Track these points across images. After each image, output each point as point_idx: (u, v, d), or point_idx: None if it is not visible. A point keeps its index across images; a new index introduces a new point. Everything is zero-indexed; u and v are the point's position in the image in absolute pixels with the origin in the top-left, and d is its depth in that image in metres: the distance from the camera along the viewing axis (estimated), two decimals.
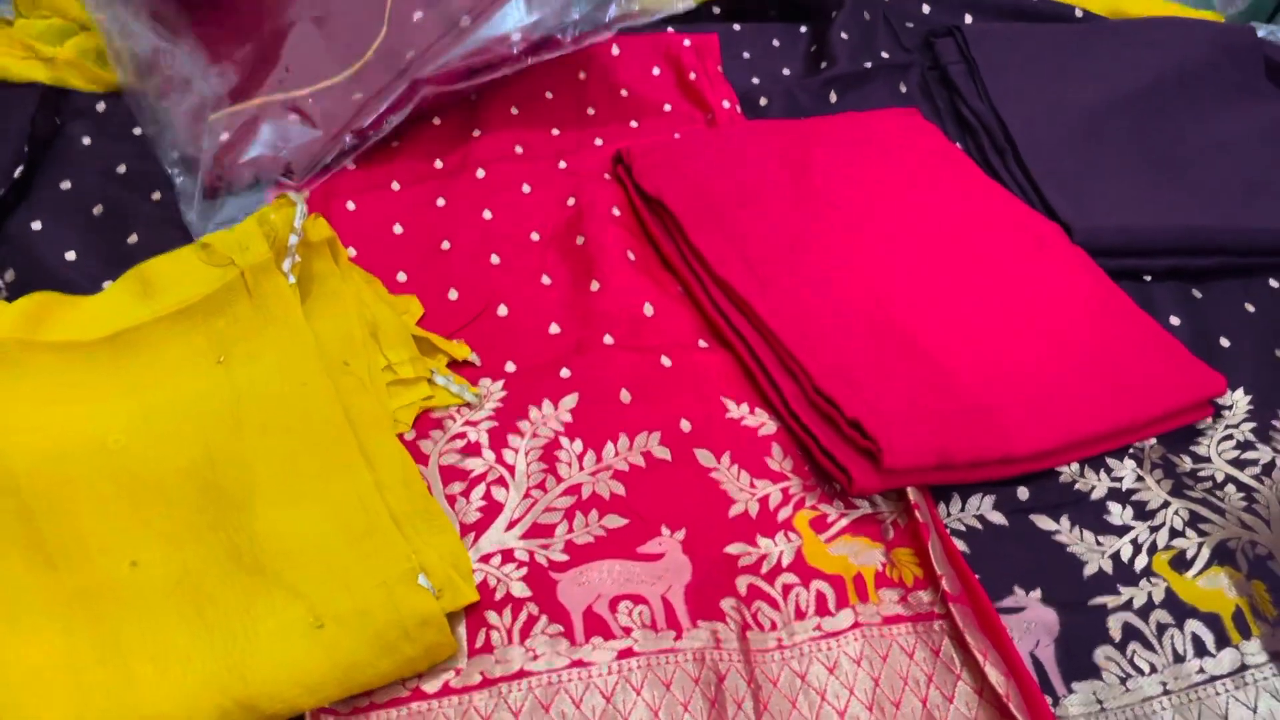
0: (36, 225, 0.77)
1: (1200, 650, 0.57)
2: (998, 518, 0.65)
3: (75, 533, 0.57)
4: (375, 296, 0.72)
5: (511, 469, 0.63)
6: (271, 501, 0.58)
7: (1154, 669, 0.57)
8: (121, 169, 0.83)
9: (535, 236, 0.80)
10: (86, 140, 0.84)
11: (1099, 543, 0.63)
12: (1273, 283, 0.82)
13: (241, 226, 0.70)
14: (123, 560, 0.57)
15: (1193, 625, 0.58)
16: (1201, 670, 0.56)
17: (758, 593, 0.59)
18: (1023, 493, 0.66)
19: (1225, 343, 0.76)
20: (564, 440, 0.65)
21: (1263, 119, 0.96)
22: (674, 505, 0.62)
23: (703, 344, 0.73)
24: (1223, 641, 0.58)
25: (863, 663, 0.56)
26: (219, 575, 0.56)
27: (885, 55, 1.00)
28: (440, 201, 0.82)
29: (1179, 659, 0.57)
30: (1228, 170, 0.90)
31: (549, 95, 0.92)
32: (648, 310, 0.74)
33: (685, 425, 0.67)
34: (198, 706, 0.51)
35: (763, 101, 0.95)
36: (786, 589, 0.60)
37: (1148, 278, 0.81)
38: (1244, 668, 0.56)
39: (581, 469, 0.63)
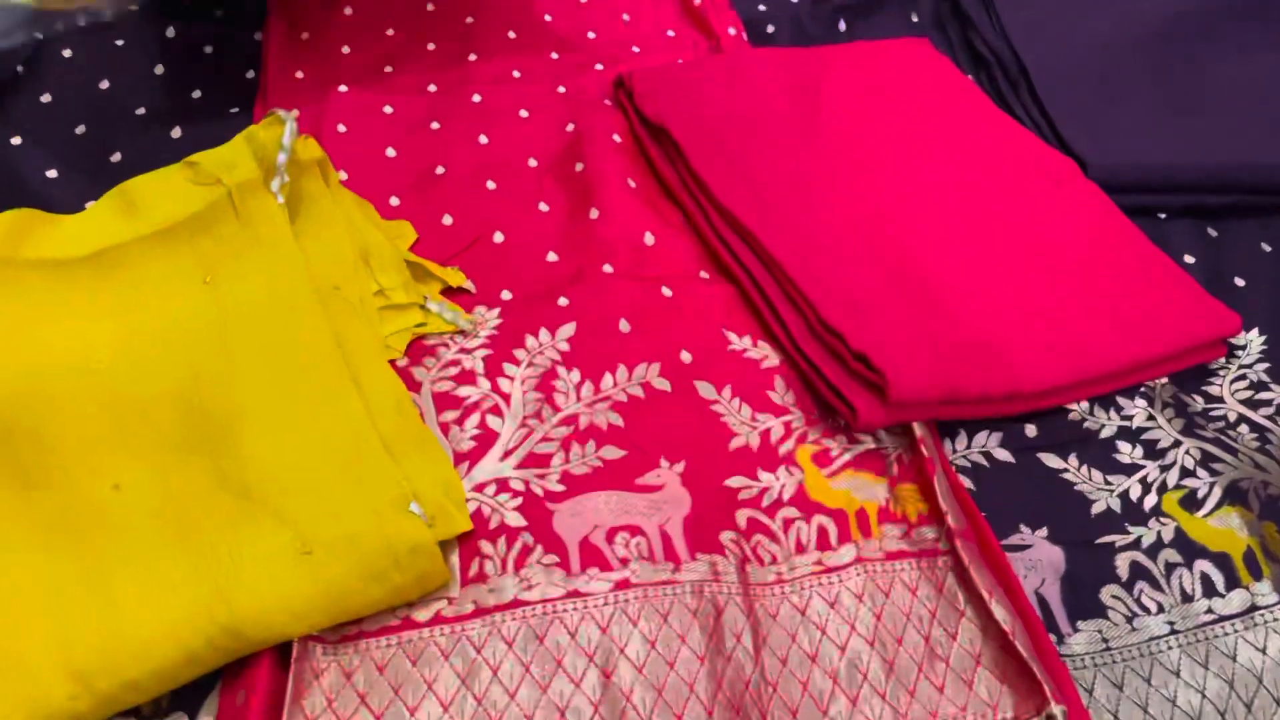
0: (16, 141, 0.75)
1: (1209, 590, 0.56)
2: (1004, 455, 0.63)
3: (56, 455, 0.56)
4: (367, 220, 0.70)
5: (507, 398, 0.61)
6: (258, 426, 0.56)
7: (1161, 609, 0.56)
8: (104, 84, 0.80)
9: (533, 162, 0.77)
10: (67, 53, 0.81)
11: (1108, 481, 0.62)
12: None
13: (230, 145, 0.68)
14: (105, 483, 0.55)
15: (1202, 565, 0.57)
16: (1210, 610, 0.55)
17: (758, 526, 0.58)
18: (1030, 430, 0.64)
19: (1240, 282, 0.74)
20: (561, 370, 0.63)
21: None
22: (673, 437, 0.61)
23: (704, 275, 0.71)
24: (1233, 582, 0.56)
25: (864, 598, 0.55)
26: (204, 500, 0.54)
27: None
28: (435, 125, 0.79)
29: (1187, 599, 0.56)
30: (1248, 106, 0.87)
31: (548, 18, 0.89)
32: (648, 239, 0.72)
33: (686, 356, 0.65)
34: (182, 631, 0.49)
35: (770, 29, 0.92)
36: (787, 523, 0.58)
37: (1163, 215, 0.79)
38: (1254, 608, 0.55)
39: (579, 399, 0.62)
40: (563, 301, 0.67)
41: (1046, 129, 0.84)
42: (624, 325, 0.66)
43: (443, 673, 0.50)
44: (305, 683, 0.50)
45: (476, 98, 0.81)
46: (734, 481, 0.59)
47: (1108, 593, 0.57)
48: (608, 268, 0.69)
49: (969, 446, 0.64)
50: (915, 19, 0.94)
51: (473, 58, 0.84)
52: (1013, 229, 0.74)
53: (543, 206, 0.74)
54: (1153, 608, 0.56)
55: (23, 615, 0.50)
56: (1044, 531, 0.59)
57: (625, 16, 0.90)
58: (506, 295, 0.68)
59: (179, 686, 0.50)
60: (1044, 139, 0.83)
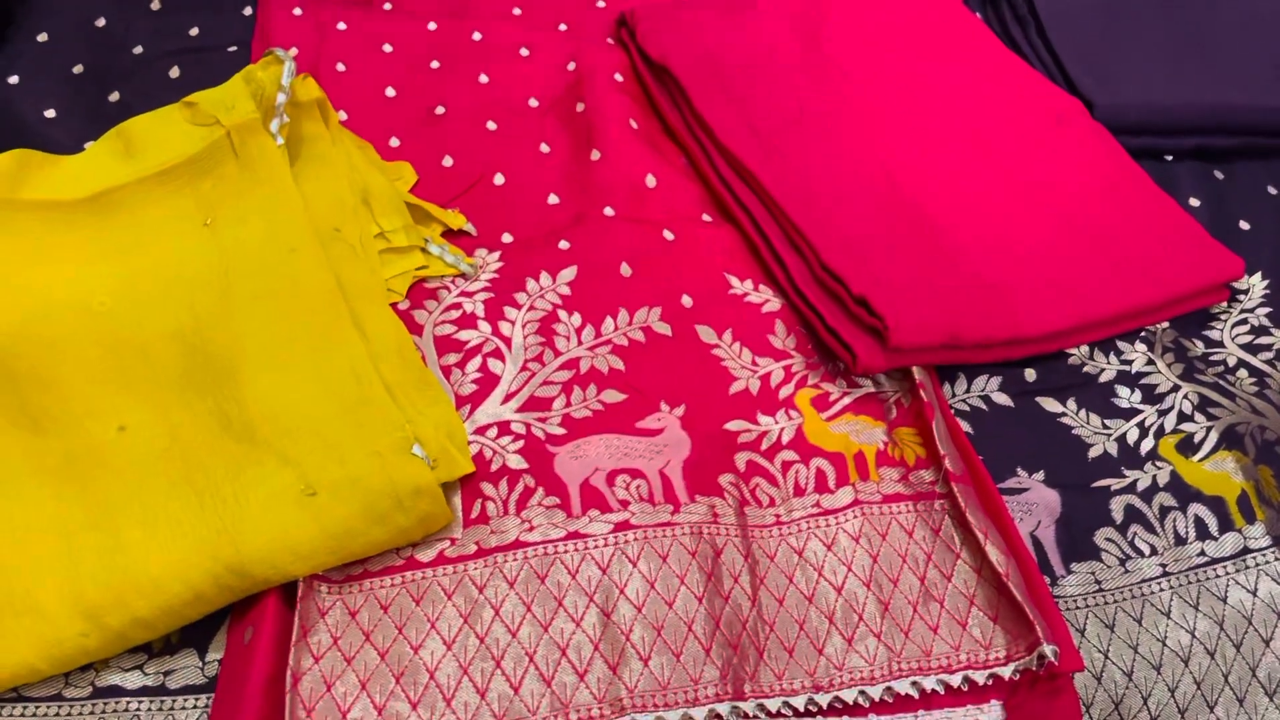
0: (14, 79, 0.74)
1: (1202, 533, 0.57)
2: (1003, 399, 0.64)
3: (61, 397, 0.56)
4: (367, 162, 0.69)
5: (508, 341, 0.62)
6: (261, 368, 0.57)
7: (1154, 551, 0.56)
8: (100, 22, 0.79)
9: (534, 103, 0.77)
10: None
11: (1105, 425, 0.62)
12: None
13: (228, 85, 0.67)
14: (110, 425, 0.55)
15: (1196, 508, 0.58)
16: (1203, 553, 0.56)
17: (757, 469, 0.58)
18: (1030, 374, 0.65)
19: (1245, 225, 0.74)
20: (562, 313, 0.63)
21: None
22: (674, 381, 0.61)
23: (706, 218, 0.71)
24: (1226, 525, 0.57)
25: (861, 539, 0.55)
26: (208, 442, 0.55)
27: None
28: (435, 64, 0.78)
29: (1180, 541, 0.57)
30: (1259, 48, 0.86)
31: None
32: (650, 181, 0.71)
33: (687, 300, 0.65)
34: (189, 571, 0.50)
35: None
36: (786, 466, 0.59)
37: (1169, 157, 0.78)
38: (1246, 551, 0.56)
39: (580, 343, 0.62)
40: (563, 245, 0.67)
41: (1054, 68, 0.83)
42: (625, 269, 0.66)
43: (446, 611, 0.51)
44: (311, 621, 0.51)
45: (477, 35, 0.80)
46: (734, 425, 0.60)
47: (1102, 535, 0.57)
48: (609, 210, 0.69)
49: (968, 390, 0.64)
50: None
51: None
52: (1016, 170, 0.73)
53: (544, 148, 0.74)
54: (1146, 550, 0.56)
55: (34, 556, 0.51)
56: (1041, 475, 0.60)
57: None
58: (507, 238, 0.68)
59: (188, 624, 0.51)
60: (1051, 79, 0.82)
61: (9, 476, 0.54)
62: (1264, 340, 0.66)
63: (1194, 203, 0.75)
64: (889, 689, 0.50)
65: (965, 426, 0.62)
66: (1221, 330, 0.67)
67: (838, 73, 0.79)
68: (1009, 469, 0.60)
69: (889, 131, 0.75)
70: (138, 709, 0.50)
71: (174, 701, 0.50)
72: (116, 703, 0.50)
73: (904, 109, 0.77)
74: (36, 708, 0.50)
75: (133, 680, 0.51)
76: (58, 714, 0.50)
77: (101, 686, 0.50)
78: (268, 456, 0.54)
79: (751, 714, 0.49)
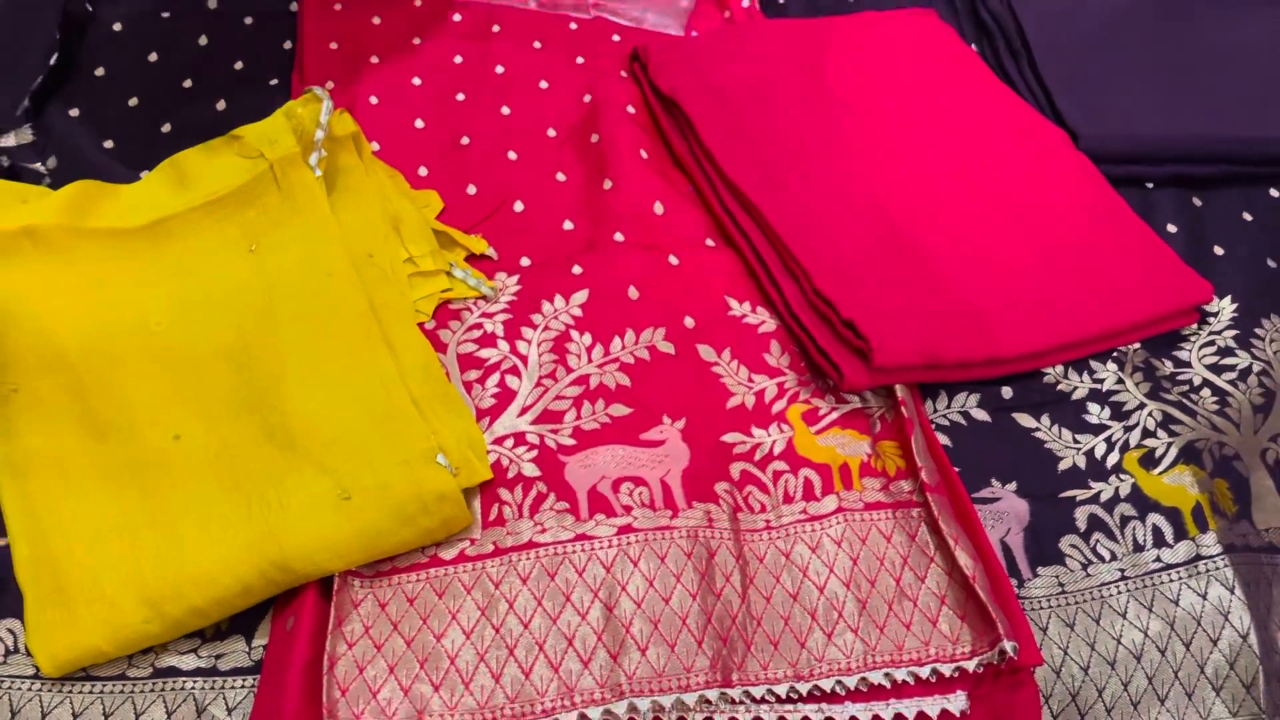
0: (74, 112, 0.81)
1: (1159, 541, 0.62)
2: (981, 414, 0.69)
3: (123, 407, 0.62)
4: (397, 190, 0.75)
5: (524, 359, 0.67)
6: (301, 384, 0.63)
7: (1114, 556, 0.61)
8: (152, 57, 0.85)
9: (552, 133, 0.82)
10: (117, 27, 0.86)
11: (1076, 440, 0.67)
12: (1274, 192, 0.83)
13: (270, 120, 0.73)
14: (167, 434, 0.62)
15: (1154, 518, 0.63)
16: (1158, 559, 0.61)
17: (750, 478, 0.64)
18: (1007, 392, 0.70)
19: (1219, 250, 0.78)
20: (574, 333, 0.69)
21: None
22: (676, 396, 0.67)
23: (710, 243, 0.76)
24: (1181, 534, 0.62)
25: (843, 544, 0.61)
26: (254, 450, 0.61)
27: None
28: (460, 97, 0.84)
29: (1138, 548, 0.62)
30: (1244, 77, 0.90)
31: None
32: (658, 209, 0.77)
33: (689, 321, 0.70)
34: (240, 567, 0.57)
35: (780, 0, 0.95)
36: (777, 475, 0.64)
37: (1150, 184, 0.83)
38: (1198, 558, 0.61)
39: (590, 361, 0.68)
40: (577, 270, 0.72)
41: (1043, 100, 0.87)
42: (632, 292, 0.71)
43: (465, 604, 0.57)
44: (345, 611, 0.57)
45: (500, 69, 0.86)
46: (730, 437, 0.65)
47: (1066, 542, 0.62)
48: (619, 236, 0.74)
49: (949, 406, 0.69)
50: None
51: (496, 29, 0.89)
52: (1002, 199, 0.78)
53: (560, 176, 0.79)
54: (1106, 556, 0.61)
55: (102, 551, 0.58)
56: (1013, 485, 0.65)
57: None
58: (525, 261, 0.74)
59: (237, 613, 0.58)
60: (1041, 110, 0.86)
61: (79, 480, 0.60)
62: (1229, 361, 0.71)
63: (1171, 229, 0.80)
64: (864, 679, 0.56)
65: (945, 440, 0.67)
66: (1190, 351, 0.72)
67: (838, 106, 0.84)
68: (984, 479, 0.66)
69: (884, 163, 0.80)
70: (193, 688, 0.56)
71: (224, 681, 0.56)
72: (174, 682, 0.56)
73: (899, 141, 0.82)
74: (103, 686, 0.56)
75: (188, 662, 0.57)
76: (121, 690, 0.56)
77: (161, 667, 0.57)
78: (307, 464, 0.60)
79: (738, 699, 0.55)
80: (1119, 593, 0.60)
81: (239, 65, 0.86)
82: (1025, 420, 0.69)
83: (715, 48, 0.87)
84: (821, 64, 0.87)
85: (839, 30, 0.91)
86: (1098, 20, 0.92)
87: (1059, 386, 0.70)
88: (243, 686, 0.56)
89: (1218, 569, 0.60)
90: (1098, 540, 0.62)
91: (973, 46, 0.93)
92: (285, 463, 0.60)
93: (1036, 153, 0.81)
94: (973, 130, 0.83)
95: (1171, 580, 0.60)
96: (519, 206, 0.77)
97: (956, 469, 0.65)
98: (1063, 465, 0.66)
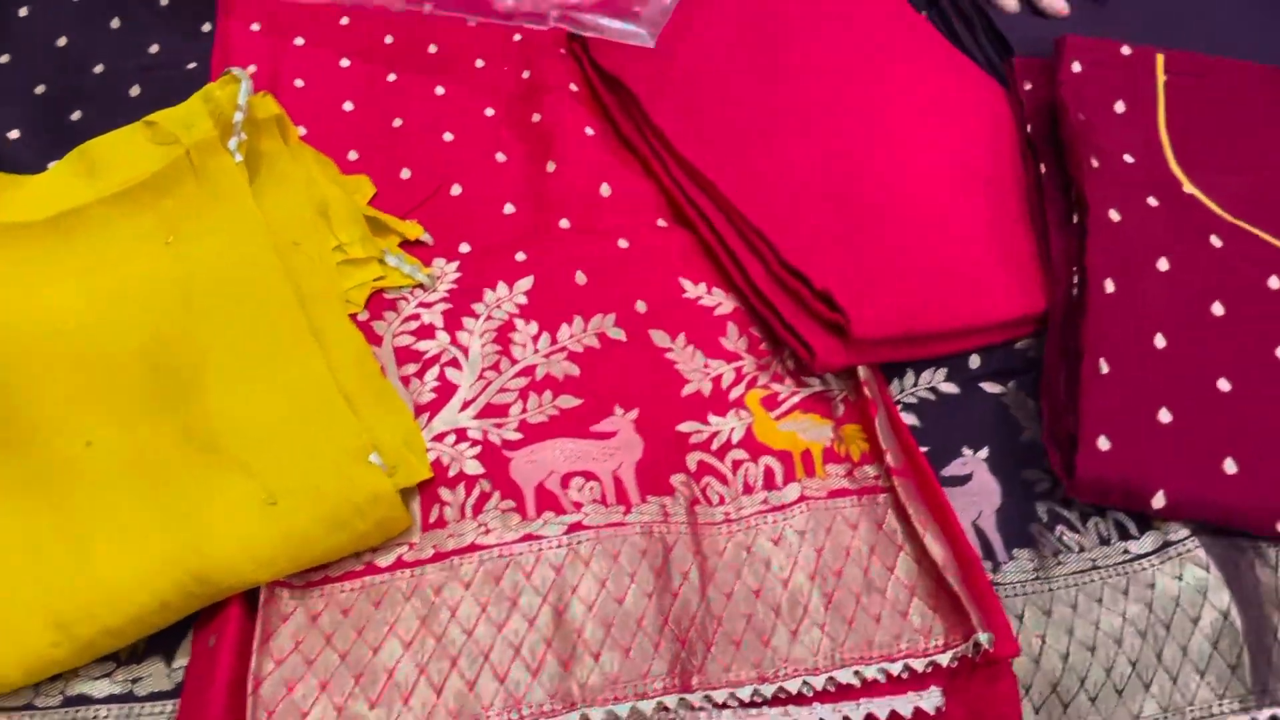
0: None
1: (1124, 534, 0.59)
2: (950, 388, 0.66)
3: (30, 413, 0.58)
4: (326, 176, 0.71)
5: (466, 350, 0.63)
6: (223, 381, 0.58)
7: (1082, 549, 0.59)
8: (61, 42, 0.80)
9: (490, 112, 0.78)
10: (23, 11, 0.81)
11: (1041, 412, 0.64)
12: None
13: (187, 104, 0.69)
14: (78, 440, 0.57)
15: (1114, 514, 0.60)
16: (1126, 551, 0.58)
17: (707, 469, 0.60)
18: (974, 361, 0.67)
19: None
20: (519, 322, 0.65)
21: None
22: (628, 385, 0.63)
23: (661, 223, 0.73)
24: (1145, 524, 0.59)
25: (807, 535, 0.57)
26: (173, 455, 0.56)
27: None
28: (391, 77, 0.80)
29: (1104, 541, 0.59)
30: (1211, 35, 0.88)
31: None
32: (605, 191, 0.73)
33: (641, 306, 0.67)
34: (156, 580, 0.52)
35: None
36: (736, 464, 0.61)
37: None
38: (1166, 544, 0.58)
39: (536, 351, 0.64)
40: (520, 256, 0.68)
41: (997, 65, 0.85)
42: (580, 277, 0.67)
43: (404, 614, 0.53)
44: (273, 626, 0.52)
45: (433, 48, 0.82)
46: (685, 426, 0.62)
47: (1035, 529, 0.60)
48: (564, 223, 0.70)
49: (916, 384, 0.66)
50: None
51: (428, 7, 0.84)
52: (960, 163, 0.76)
53: (500, 157, 0.75)
54: (1075, 548, 0.59)
55: (4, 569, 0.53)
56: (985, 452, 0.62)
57: None
58: (465, 248, 0.70)
59: (154, 632, 0.53)
60: (998, 78, 0.84)
61: None
62: None
63: None
64: (831, 679, 0.52)
65: (913, 419, 0.64)
66: None
67: (791, 76, 0.80)
68: (954, 450, 0.63)
69: (842, 129, 0.77)
70: (106, 715, 0.52)
71: (142, 708, 0.52)
72: (86, 710, 0.52)
73: (856, 106, 0.79)
74: (8, 717, 0.51)
75: (101, 688, 0.52)
76: None
77: (71, 695, 0.52)
78: (230, 468, 0.55)
79: (699, 705, 0.51)
80: (1092, 581, 0.57)
81: (154, 49, 0.81)
82: (992, 387, 0.66)
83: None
84: (771, 34, 0.84)
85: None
86: None
87: (1030, 353, 0.67)
88: (161, 713, 0.52)
89: (1189, 550, 0.58)
90: (1062, 532, 0.59)
91: (923, 14, 0.90)
92: (207, 467, 0.56)
93: (990, 117, 0.79)
94: (928, 99, 0.80)
95: (1144, 569, 0.58)
96: (456, 190, 0.73)
97: (926, 448, 0.62)
98: (1025, 436, 0.63)
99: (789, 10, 0.85)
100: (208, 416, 0.57)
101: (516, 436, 0.60)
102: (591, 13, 0.75)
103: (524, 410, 0.61)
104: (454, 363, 0.63)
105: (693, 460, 0.60)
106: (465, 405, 0.61)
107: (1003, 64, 0.84)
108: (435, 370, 0.62)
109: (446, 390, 0.62)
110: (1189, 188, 0.71)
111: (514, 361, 0.63)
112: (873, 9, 0.87)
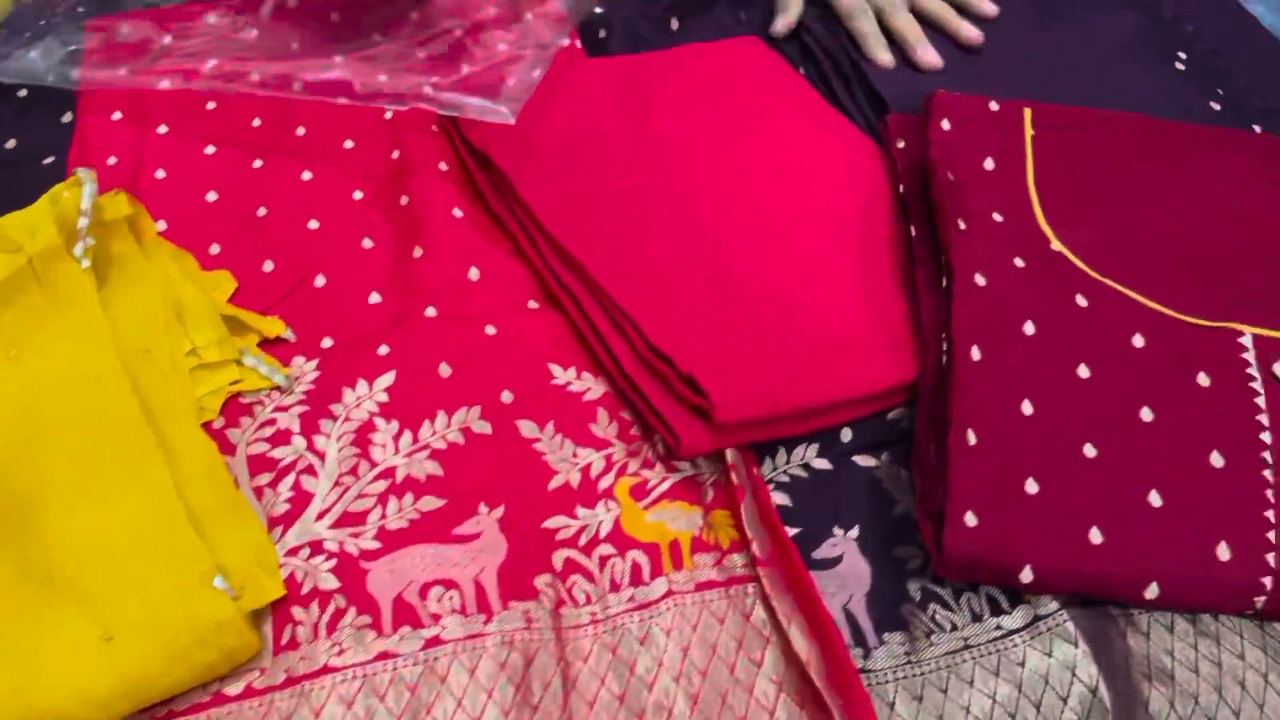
0: None
1: (996, 609, 0.59)
2: (822, 464, 0.65)
3: None
4: (183, 274, 0.69)
5: (322, 455, 0.62)
6: (64, 506, 0.56)
7: (955, 627, 0.58)
8: None
9: (358, 196, 0.77)
10: None
11: (914, 485, 0.64)
12: None
13: (33, 208, 0.67)
14: None
15: (989, 588, 0.60)
16: (999, 627, 0.58)
17: (574, 566, 0.59)
18: (846, 435, 0.66)
19: None
20: (379, 421, 0.63)
21: (1129, 28, 0.95)
22: (493, 481, 0.62)
23: (533, 305, 0.72)
24: (1016, 599, 0.59)
25: (673, 633, 0.56)
26: (6, 589, 0.54)
27: None
28: (258, 163, 0.78)
29: (977, 618, 0.58)
30: (1084, 86, 0.89)
31: (376, 39, 0.87)
32: (473, 274, 0.72)
33: (507, 396, 0.65)
34: None
35: (601, 34, 0.92)
36: (603, 560, 0.60)
37: None
38: (1036, 619, 0.58)
39: (397, 451, 0.62)
40: (383, 349, 0.67)
41: (875, 123, 0.85)
42: (444, 370, 0.66)
43: None
44: None
45: (301, 130, 0.80)
46: (552, 522, 0.61)
47: (906, 610, 0.59)
48: (430, 311, 0.69)
49: (789, 461, 0.65)
50: (743, 17, 0.94)
51: (298, 86, 0.83)
52: (839, 232, 0.75)
53: (366, 243, 0.74)
54: (948, 626, 0.58)
55: None
56: (855, 531, 0.62)
57: (457, 32, 0.89)
58: (327, 342, 0.68)
59: None
60: (875, 135, 0.84)
61: None
62: None
63: None
64: None
65: (784, 499, 0.63)
66: None
67: (664, 145, 0.80)
68: (826, 530, 0.62)
69: (715, 202, 0.76)
70: None
71: None
72: None
73: (730, 178, 0.78)
74: None
75: None
76: None
77: None
78: (66, 601, 0.53)
79: None
80: (964, 661, 0.57)
81: (10, 144, 0.79)
82: (865, 460, 0.65)
83: (531, 95, 0.82)
84: (645, 102, 0.83)
85: (662, 65, 0.87)
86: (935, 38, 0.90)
87: (903, 423, 0.67)
88: None
89: (1058, 625, 0.58)
90: (935, 610, 0.59)
91: (801, 71, 0.90)
92: (41, 601, 0.54)
93: (866, 178, 0.79)
94: (806, 159, 0.80)
95: (1015, 645, 0.57)
96: (320, 281, 0.71)
97: (797, 529, 0.61)
98: (898, 509, 0.63)
99: (662, 78, 0.85)
100: (45, 546, 0.55)
101: (375, 545, 0.58)
102: (450, 91, 0.74)
103: (383, 516, 0.59)
104: (310, 470, 0.61)
105: (559, 558, 0.59)
106: (321, 515, 0.59)
107: (879, 122, 0.84)
108: (290, 479, 0.61)
109: (301, 500, 0.60)
110: (1056, 245, 0.71)
111: (373, 464, 0.61)
112: (748, 72, 0.87)
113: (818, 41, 0.92)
